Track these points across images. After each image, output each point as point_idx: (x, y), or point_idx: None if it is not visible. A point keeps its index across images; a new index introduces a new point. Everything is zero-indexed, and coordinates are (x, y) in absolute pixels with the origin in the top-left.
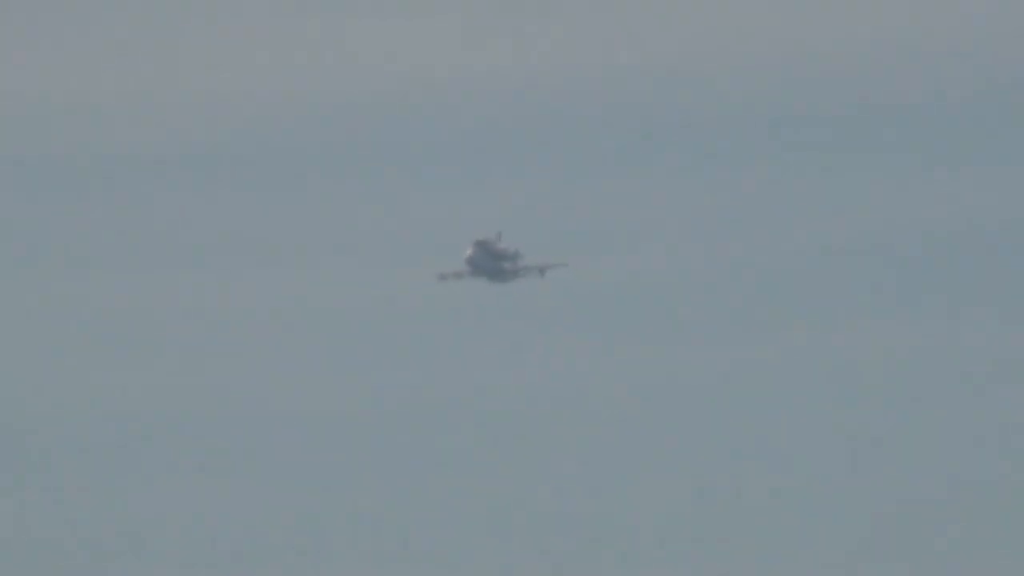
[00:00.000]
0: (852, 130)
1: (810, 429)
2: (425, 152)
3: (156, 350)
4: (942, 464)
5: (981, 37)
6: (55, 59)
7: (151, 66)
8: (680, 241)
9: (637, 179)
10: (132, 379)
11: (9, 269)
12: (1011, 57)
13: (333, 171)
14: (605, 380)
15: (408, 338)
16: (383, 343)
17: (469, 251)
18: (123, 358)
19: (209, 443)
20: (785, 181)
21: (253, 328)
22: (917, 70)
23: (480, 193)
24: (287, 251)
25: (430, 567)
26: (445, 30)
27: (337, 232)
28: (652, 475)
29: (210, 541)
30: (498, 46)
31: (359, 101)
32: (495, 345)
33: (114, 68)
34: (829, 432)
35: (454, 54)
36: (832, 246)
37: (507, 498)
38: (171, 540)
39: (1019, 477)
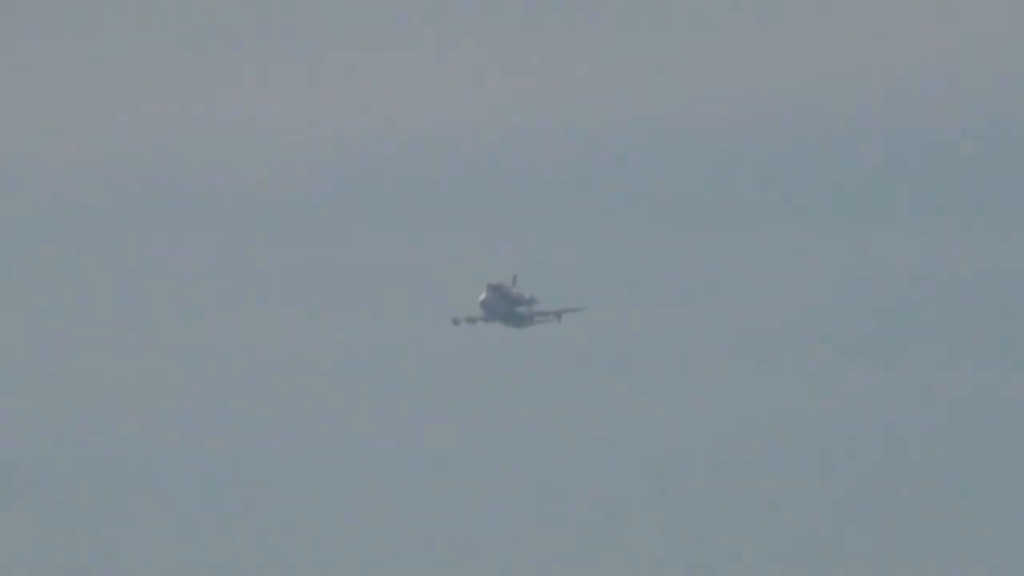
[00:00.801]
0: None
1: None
2: (444, 198)
3: (167, 392)
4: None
5: None
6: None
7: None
8: (695, 293)
9: (653, 230)
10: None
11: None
12: None
13: (352, 214)
14: (617, 428)
15: (418, 385)
16: (393, 389)
17: (483, 295)
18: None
19: (222, 486)
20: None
21: (260, 372)
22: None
23: (497, 239)
24: (299, 296)
25: None
26: (443, 79)
27: (353, 276)
28: (663, 527)
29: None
30: (509, 92)
31: (376, 146)
32: (508, 392)
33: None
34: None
35: (466, 102)
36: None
37: (514, 543)
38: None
39: None
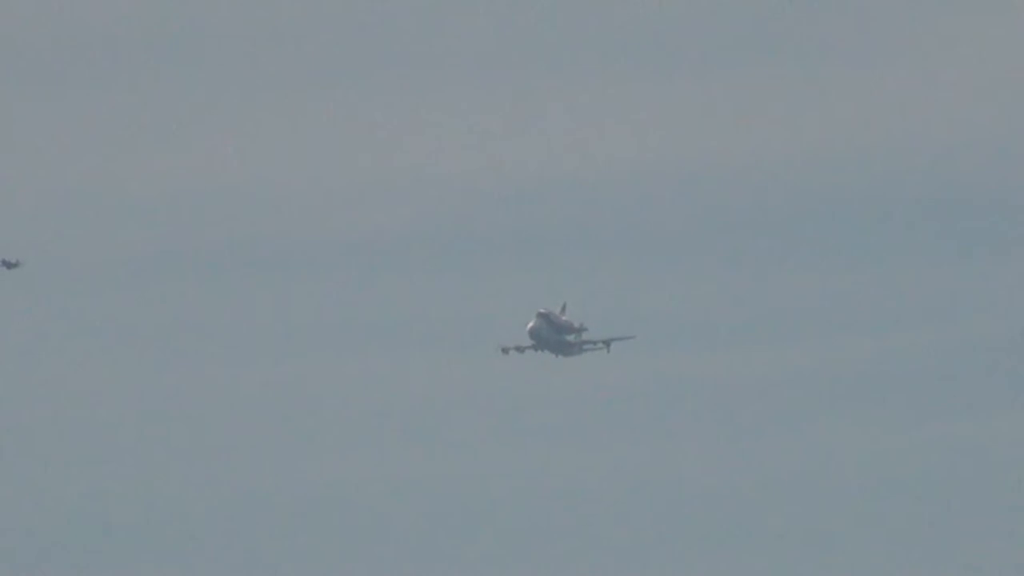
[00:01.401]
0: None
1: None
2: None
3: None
4: None
5: None
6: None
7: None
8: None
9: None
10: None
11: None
12: None
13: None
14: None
15: (466, 417)
16: (439, 422)
17: (532, 323)
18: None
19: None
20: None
21: (305, 409)
22: None
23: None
24: (338, 336)
25: None
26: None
27: (400, 314)
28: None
29: None
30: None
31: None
32: (555, 424)
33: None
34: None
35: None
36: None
37: None
38: None
39: None
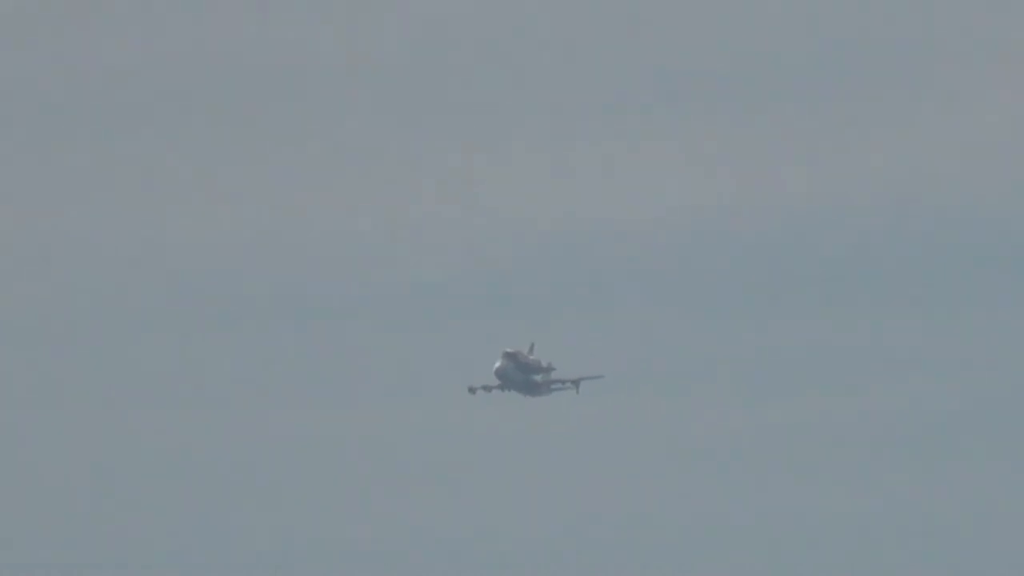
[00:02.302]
0: None
1: None
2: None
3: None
4: None
5: None
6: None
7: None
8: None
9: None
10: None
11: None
12: None
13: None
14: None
15: (431, 461)
16: (405, 467)
17: (498, 363)
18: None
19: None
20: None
21: (274, 461)
22: None
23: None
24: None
25: None
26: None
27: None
28: None
29: None
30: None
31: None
32: (522, 466)
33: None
34: None
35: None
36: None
37: None
38: None
39: None
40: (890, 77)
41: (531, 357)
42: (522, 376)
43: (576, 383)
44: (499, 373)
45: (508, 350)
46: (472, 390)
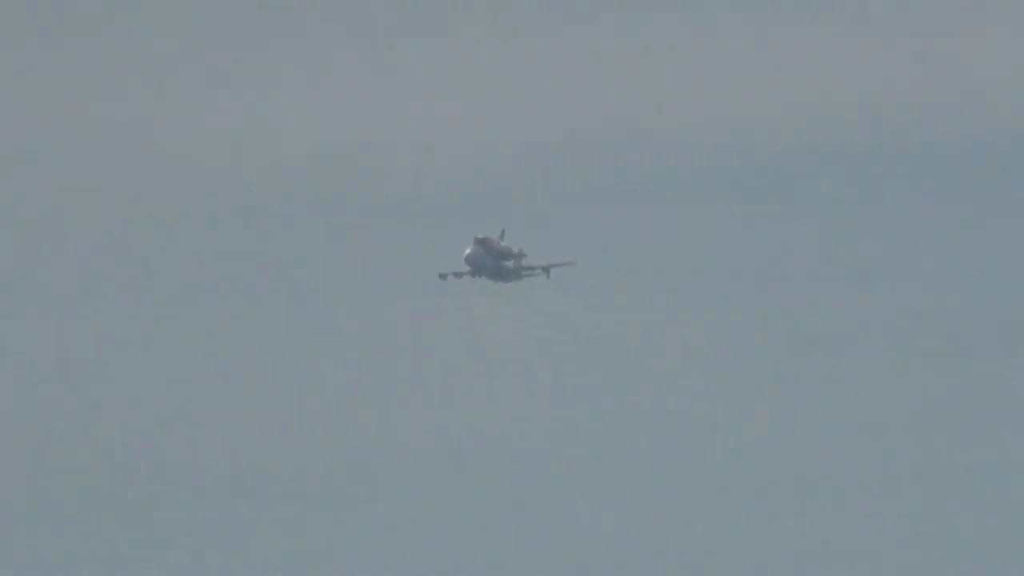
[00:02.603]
0: None
1: None
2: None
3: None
4: None
5: None
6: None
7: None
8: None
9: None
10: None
11: None
12: None
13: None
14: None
15: (405, 345)
16: (380, 352)
17: (469, 250)
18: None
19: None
20: None
21: (250, 350)
22: None
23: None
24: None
25: None
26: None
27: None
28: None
29: None
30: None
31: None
32: (494, 352)
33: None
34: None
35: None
36: None
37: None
38: None
39: None
40: None
41: (502, 243)
42: (493, 262)
43: (547, 269)
44: (470, 259)
45: (479, 236)
46: (443, 276)
